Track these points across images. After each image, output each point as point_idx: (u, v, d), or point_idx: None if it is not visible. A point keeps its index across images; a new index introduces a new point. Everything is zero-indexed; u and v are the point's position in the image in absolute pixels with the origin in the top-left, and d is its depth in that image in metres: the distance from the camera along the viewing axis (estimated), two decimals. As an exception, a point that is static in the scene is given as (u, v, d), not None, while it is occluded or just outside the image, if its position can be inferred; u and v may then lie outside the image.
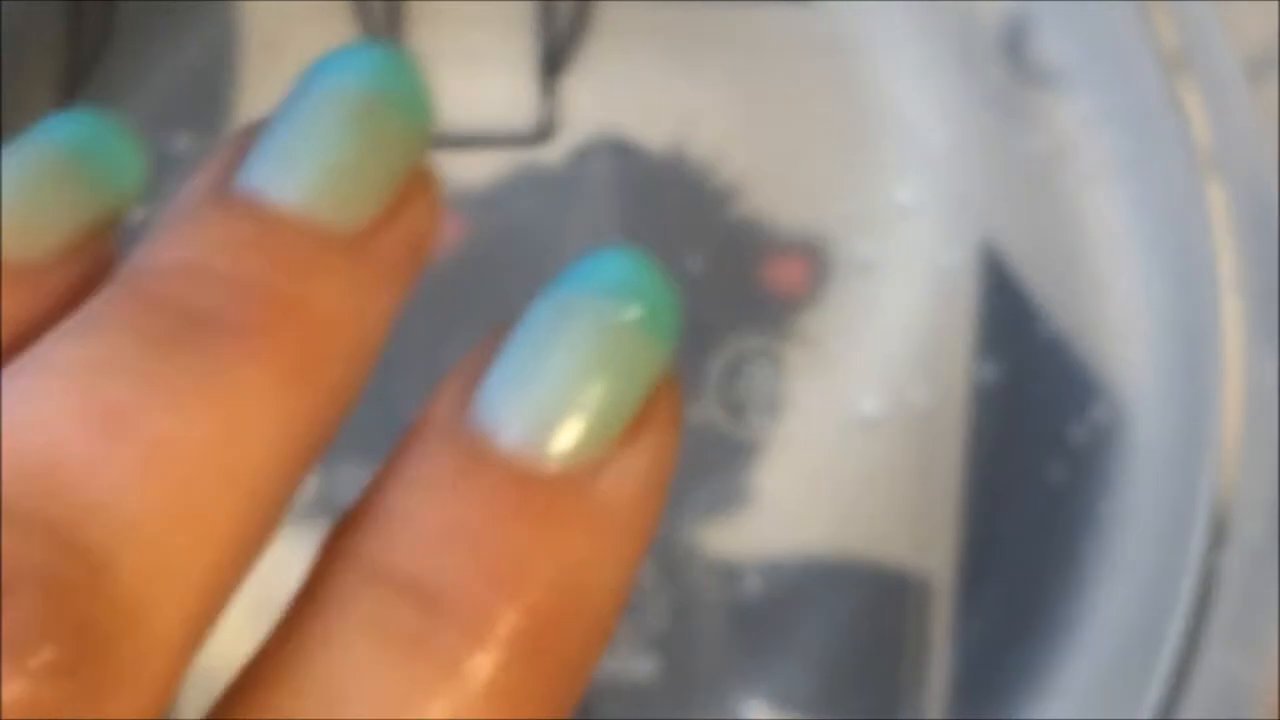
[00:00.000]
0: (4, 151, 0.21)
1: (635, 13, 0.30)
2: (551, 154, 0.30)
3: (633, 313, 0.19)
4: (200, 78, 0.30)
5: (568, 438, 0.19)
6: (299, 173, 0.20)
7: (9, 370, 0.19)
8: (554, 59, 0.30)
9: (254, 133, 0.21)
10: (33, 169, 0.21)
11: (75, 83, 0.30)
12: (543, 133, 0.30)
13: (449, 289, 0.30)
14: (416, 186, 0.21)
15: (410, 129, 0.21)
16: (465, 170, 0.30)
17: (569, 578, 0.19)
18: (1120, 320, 0.30)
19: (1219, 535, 0.30)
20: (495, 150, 0.30)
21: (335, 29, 0.30)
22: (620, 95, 0.30)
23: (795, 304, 0.31)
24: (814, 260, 0.31)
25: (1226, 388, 0.30)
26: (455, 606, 0.18)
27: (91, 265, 0.21)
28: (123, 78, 0.30)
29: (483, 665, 0.18)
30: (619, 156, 0.30)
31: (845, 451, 0.31)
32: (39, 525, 0.17)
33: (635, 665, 0.30)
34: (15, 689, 0.16)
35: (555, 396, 0.19)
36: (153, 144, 0.30)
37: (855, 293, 0.30)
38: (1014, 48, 0.30)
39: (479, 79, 0.31)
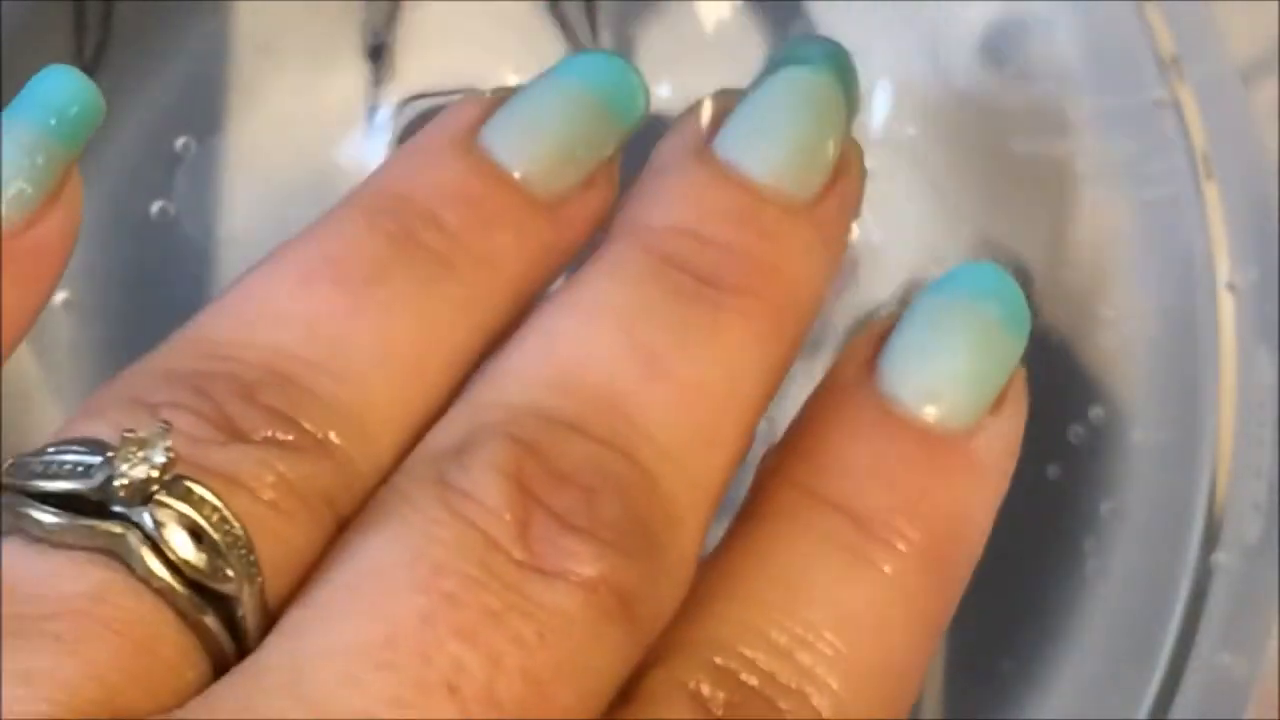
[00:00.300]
0: (536, 93, 0.26)
1: (634, 14, 0.30)
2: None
3: (997, 311, 0.25)
4: (197, 81, 0.30)
5: (955, 406, 0.24)
6: (771, 151, 0.25)
7: (555, 309, 0.24)
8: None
9: (725, 103, 0.26)
10: (567, 111, 0.26)
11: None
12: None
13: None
14: (849, 157, 0.26)
15: (847, 110, 0.26)
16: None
17: (956, 511, 0.24)
18: (1117, 321, 0.30)
19: (1215, 535, 0.30)
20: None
21: (327, 35, 0.30)
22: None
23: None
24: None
25: (1223, 388, 0.30)
26: (877, 526, 0.24)
27: (602, 193, 0.26)
28: (124, 81, 0.30)
29: (895, 570, 0.23)
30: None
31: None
32: (611, 443, 0.22)
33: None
34: (604, 566, 0.21)
35: (943, 373, 0.24)
36: (154, 144, 0.30)
37: (852, 289, 0.30)
38: (1012, 49, 0.30)
39: (486, 79, 0.31)
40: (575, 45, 0.30)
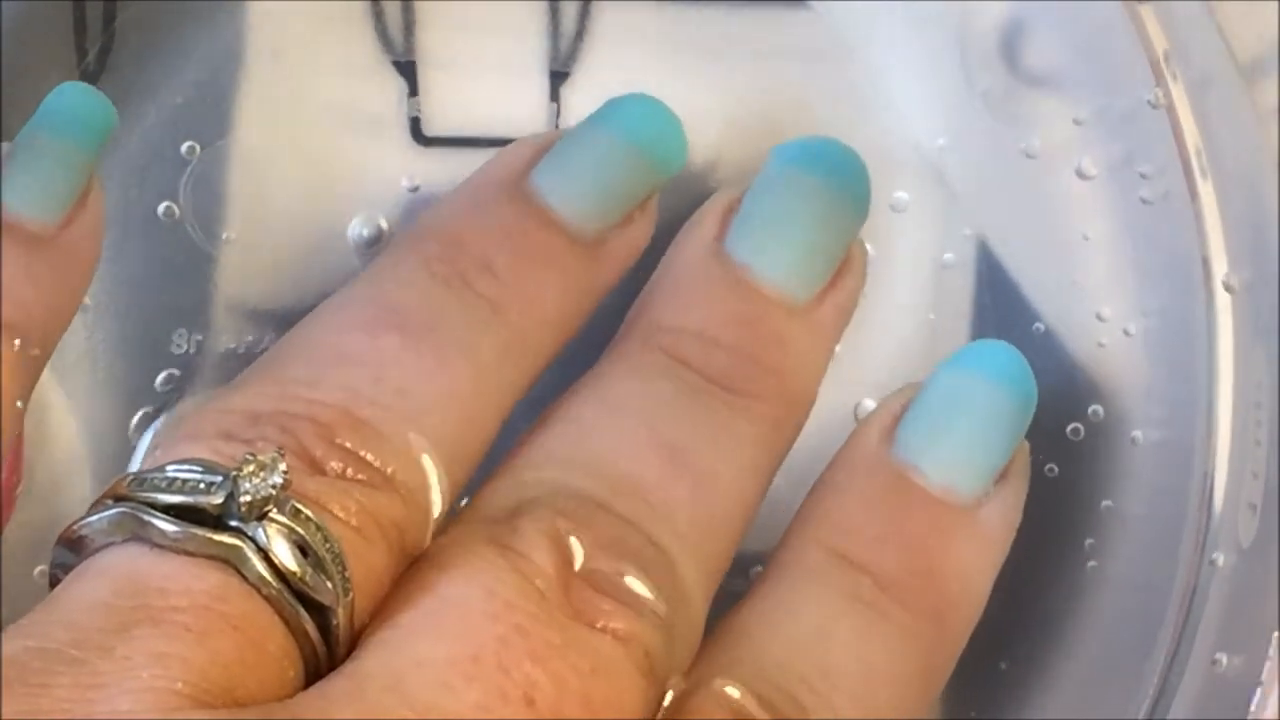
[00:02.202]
0: (583, 140, 0.28)
1: (636, 15, 0.31)
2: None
3: (1007, 391, 0.27)
4: (207, 85, 0.30)
5: (965, 479, 0.27)
6: (779, 255, 0.28)
7: (585, 402, 0.27)
8: (560, 63, 0.31)
9: (733, 200, 0.28)
10: (613, 160, 0.28)
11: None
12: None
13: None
14: (852, 260, 0.29)
15: (854, 213, 0.28)
16: (470, 171, 0.30)
17: (962, 575, 0.27)
18: (1116, 320, 0.30)
19: (1213, 534, 0.30)
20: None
21: (340, 38, 0.30)
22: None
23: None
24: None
25: (1219, 388, 0.30)
26: (894, 584, 0.26)
27: (639, 231, 0.29)
28: (133, 83, 0.30)
29: (909, 625, 0.26)
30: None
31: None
32: (635, 526, 0.25)
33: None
34: (635, 626, 0.24)
35: (958, 450, 0.27)
36: (161, 147, 0.30)
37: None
38: (1008, 50, 0.30)
39: (490, 84, 0.31)
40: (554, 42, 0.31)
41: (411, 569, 0.25)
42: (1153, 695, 0.30)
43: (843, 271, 0.29)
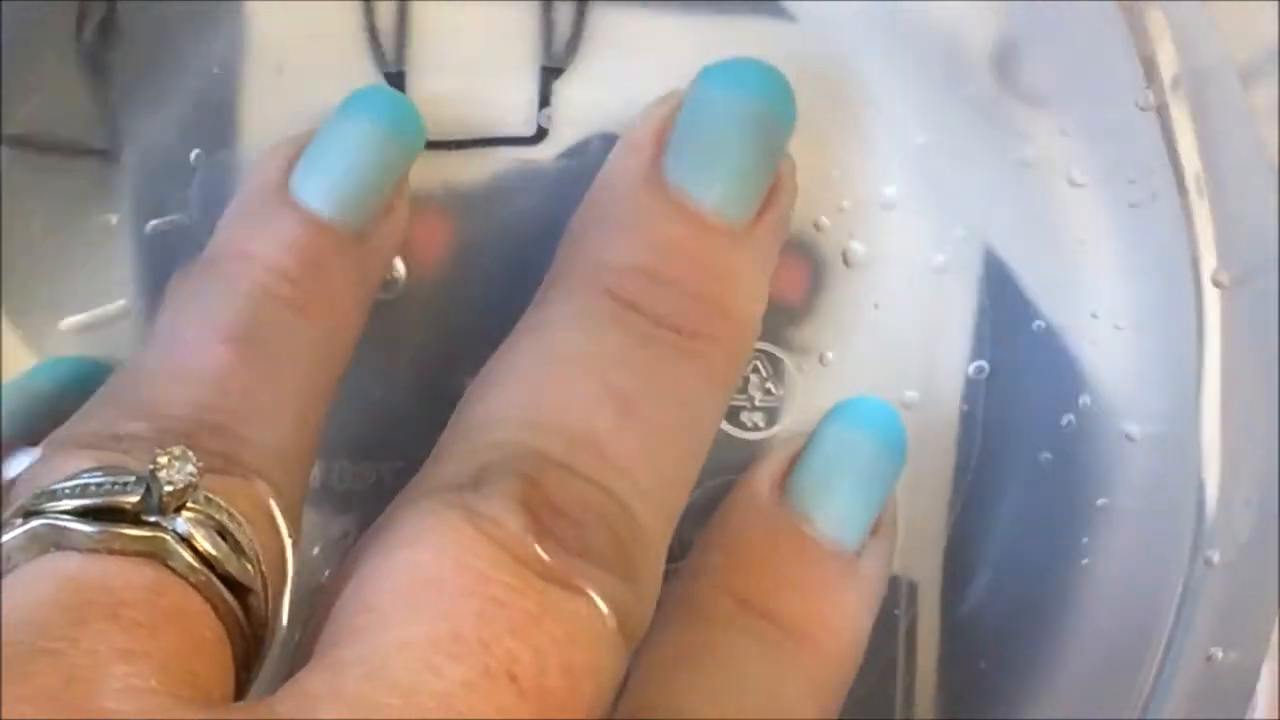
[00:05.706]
0: (332, 135, 0.29)
1: (633, 18, 0.31)
2: (546, 156, 0.31)
3: (883, 446, 0.29)
4: (210, 96, 0.31)
5: (852, 531, 0.29)
6: (716, 178, 0.28)
7: (532, 356, 0.27)
8: (553, 64, 0.31)
9: (669, 114, 0.28)
10: (363, 150, 0.29)
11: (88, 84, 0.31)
12: (543, 136, 0.31)
13: (440, 289, 0.31)
14: (782, 176, 0.28)
15: (784, 133, 0.28)
16: (459, 170, 0.31)
17: (850, 620, 0.29)
18: (1107, 316, 0.30)
19: (1208, 530, 0.30)
20: (491, 151, 0.31)
21: (340, 49, 0.31)
22: (615, 99, 0.30)
23: (790, 306, 0.31)
24: (808, 262, 0.31)
25: (1214, 386, 0.30)
26: (793, 628, 0.28)
27: (399, 216, 0.29)
28: (142, 92, 0.31)
29: (810, 667, 0.28)
30: (614, 160, 0.31)
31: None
32: (595, 480, 0.26)
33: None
34: (608, 585, 0.25)
35: (845, 505, 0.29)
36: (170, 155, 0.31)
37: (850, 294, 0.31)
38: (1002, 61, 0.30)
39: (483, 84, 0.31)
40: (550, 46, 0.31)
41: (379, 546, 0.25)
42: (1148, 692, 0.30)
43: (775, 190, 0.28)
